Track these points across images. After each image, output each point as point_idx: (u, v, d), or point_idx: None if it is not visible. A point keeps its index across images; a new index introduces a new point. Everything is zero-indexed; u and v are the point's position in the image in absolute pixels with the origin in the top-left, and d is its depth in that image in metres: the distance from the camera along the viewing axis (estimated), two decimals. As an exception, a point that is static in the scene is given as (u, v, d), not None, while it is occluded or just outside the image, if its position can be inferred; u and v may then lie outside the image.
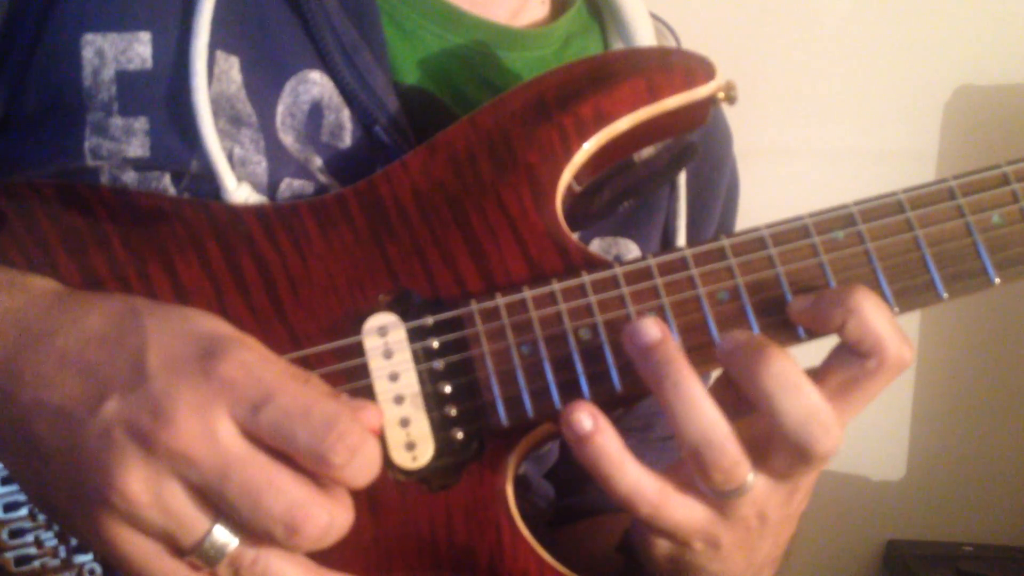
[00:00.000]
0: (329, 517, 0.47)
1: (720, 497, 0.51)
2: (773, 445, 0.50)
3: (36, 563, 0.55)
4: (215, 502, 0.47)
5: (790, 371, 0.49)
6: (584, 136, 0.58)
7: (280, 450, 0.47)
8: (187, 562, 0.48)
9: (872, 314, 0.50)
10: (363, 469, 0.48)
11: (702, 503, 0.52)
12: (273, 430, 0.46)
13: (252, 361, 0.48)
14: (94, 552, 0.55)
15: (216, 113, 0.60)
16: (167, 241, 0.57)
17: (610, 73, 0.59)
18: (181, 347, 0.48)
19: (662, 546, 0.55)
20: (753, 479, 0.50)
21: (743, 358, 0.50)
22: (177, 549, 0.48)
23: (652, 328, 0.51)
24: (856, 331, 0.50)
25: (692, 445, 0.49)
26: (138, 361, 0.48)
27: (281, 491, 0.46)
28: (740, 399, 0.51)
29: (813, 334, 0.54)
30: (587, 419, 0.51)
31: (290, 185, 0.62)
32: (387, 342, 0.55)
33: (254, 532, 0.47)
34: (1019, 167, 0.55)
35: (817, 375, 0.52)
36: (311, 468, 0.47)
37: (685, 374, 0.50)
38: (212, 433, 0.46)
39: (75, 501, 0.48)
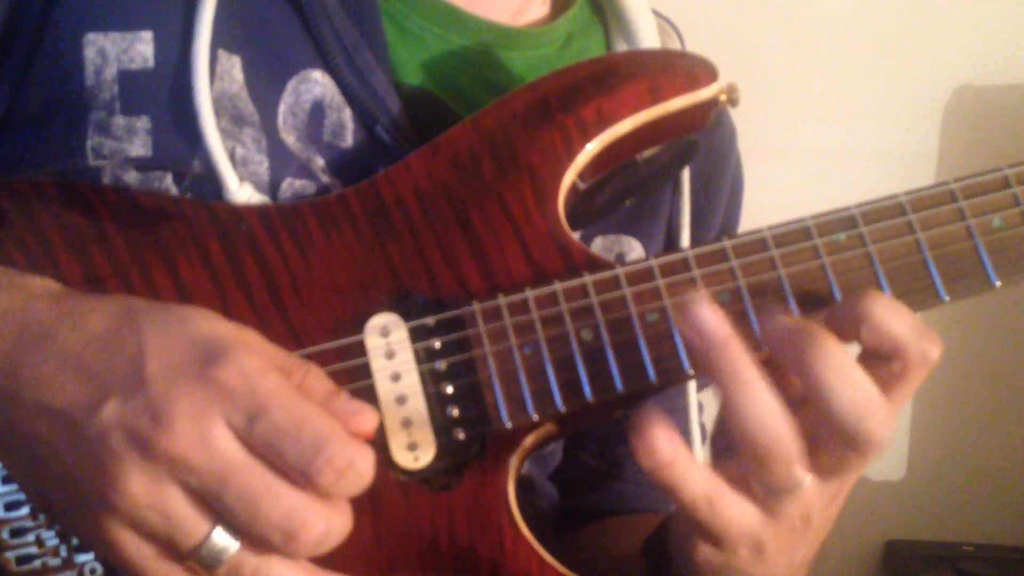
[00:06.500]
0: (326, 524, 0.47)
1: (774, 496, 0.50)
2: (822, 440, 0.48)
3: (37, 562, 0.55)
4: (214, 507, 0.47)
5: (845, 360, 0.47)
6: (586, 137, 0.58)
7: (272, 463, 0.47)
8: (185, 567, 0.48)
9: (884, 317, 0.49)
10: (351, 486, 0.47)
11: (753, 503, 0.51)
12: (265, 443, 0.46)
13: (250, 369, 0.47)
14: (95, 552, 0.55)
15: (218, 112, 0.60)
16: (169, 241, 0.57)
17: (613, 75, 0.59)
18: (180, 350, 0.48)
19: (705, 552, 0.54)
20: (807, 478, 0.49)
21: (795, 344, 0.48)
22: (176, 553, 0.48)
23: (711, 314, 0.49)
24: (872, 337, 0.49)
25: (756, 439, 0.47)
26: (137, 364, 0.47)
27: (279, 497, 0.46)
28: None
29: None
30: (667, 446, 0.49)
31: (292, 185, 0.62)
32: (389, 342, 0.55)
33: (252, 538, 0.47)
34: (1020, 170, 0.55)
35: None
36: (300, 485, 0.47)
37: (747, 364, 0.48)
38: (209, 439, 0.46)
39: (76, 502, 0.48)
